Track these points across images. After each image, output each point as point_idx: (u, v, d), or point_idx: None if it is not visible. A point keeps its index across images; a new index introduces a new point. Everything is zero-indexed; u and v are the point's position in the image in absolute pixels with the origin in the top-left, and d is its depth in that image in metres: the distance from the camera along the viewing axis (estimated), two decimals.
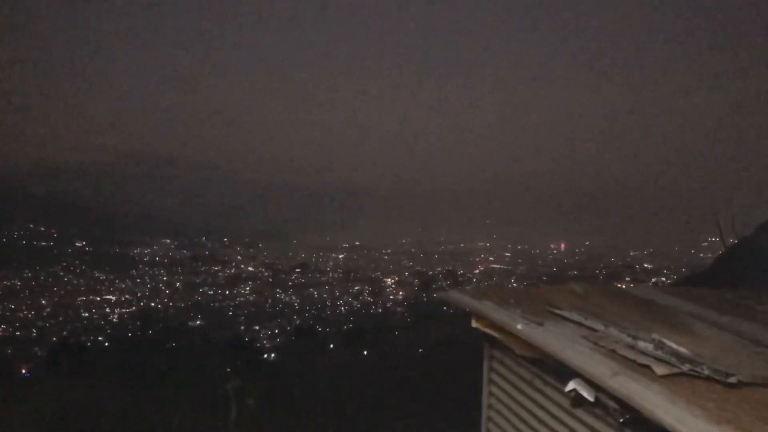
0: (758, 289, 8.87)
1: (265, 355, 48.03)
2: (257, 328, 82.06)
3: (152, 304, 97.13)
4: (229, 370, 26.04)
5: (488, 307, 6.00)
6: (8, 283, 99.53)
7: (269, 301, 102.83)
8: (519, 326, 5.33)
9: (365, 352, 40.34)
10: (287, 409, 21.31)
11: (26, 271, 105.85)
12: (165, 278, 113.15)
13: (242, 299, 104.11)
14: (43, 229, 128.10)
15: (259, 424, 17.92)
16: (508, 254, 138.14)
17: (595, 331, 5.12)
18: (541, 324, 5.36)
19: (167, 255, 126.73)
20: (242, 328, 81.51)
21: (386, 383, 23.29)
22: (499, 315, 5.76)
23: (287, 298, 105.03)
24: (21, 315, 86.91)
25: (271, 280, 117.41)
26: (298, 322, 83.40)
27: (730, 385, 3.80)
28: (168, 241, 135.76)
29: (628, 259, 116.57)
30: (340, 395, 22.36)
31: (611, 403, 4.13)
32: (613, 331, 5.02)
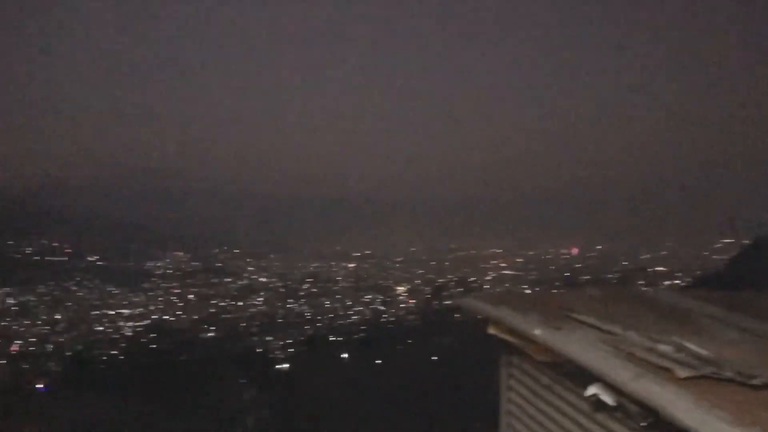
0: None
1: (278, 366, 48.06)
2: (270, 338, 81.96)
3: (165, 317, 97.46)
4: (243, 381, 26.12)
5: (505, 313, 5.98)
6: (23, 299, 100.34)
7: (281, 311, 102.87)
8: (537, 331, 5.31)
9: (378, 361, 40.14)
10: (301, 419, 21.29)
11: (40, 286, 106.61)
12: (178, 291, 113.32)
13: (254, 310, 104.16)
14: (56, 244, 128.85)
15: None
16: (520, 260, 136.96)
17: (614, 335, 5.09)
18: (559, 329, 5.34)
19: (180, 267, 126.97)
20: (255, 339, 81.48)
21: (400, 391, 23.22)
22: (517, 320, 5.74)
23: (299, 308, 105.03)
24: (35, 330, 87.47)
25: (282, 290, 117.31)
26: (310, 332, 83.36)
27: (754, 387, 3.77)
28: (181, 253, 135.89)
29: (640, 263, 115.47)
30: (353, 404, 22.32)
31: (633, 407, 4.10)
32: (632, 334, 4.99)
